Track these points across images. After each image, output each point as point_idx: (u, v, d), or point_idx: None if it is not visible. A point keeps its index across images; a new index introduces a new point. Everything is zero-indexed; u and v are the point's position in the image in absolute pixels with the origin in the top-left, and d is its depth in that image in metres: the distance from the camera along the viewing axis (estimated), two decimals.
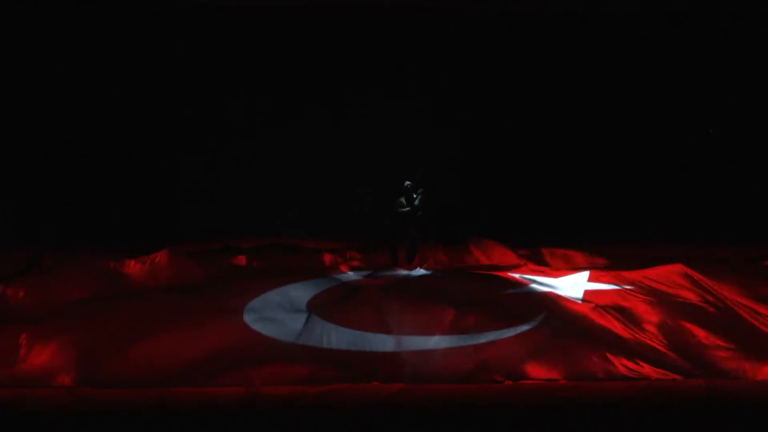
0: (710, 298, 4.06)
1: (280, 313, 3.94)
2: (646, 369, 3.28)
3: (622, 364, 3.30)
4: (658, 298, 4.11)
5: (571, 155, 7.21)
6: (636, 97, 7.19)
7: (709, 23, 6.87)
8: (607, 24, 7.00)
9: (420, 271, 5.08)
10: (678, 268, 4.42)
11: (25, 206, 6.59)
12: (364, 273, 5.01)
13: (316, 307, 4.02)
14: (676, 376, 3.25)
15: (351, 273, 5.03)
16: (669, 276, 4.35)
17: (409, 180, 5.16)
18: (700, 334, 3.62)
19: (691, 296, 4.13)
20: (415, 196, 5.14)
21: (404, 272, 5.02)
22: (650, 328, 3.69)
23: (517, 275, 4.80)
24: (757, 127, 7.10)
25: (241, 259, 5.29)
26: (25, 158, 6.70)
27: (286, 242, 5.82)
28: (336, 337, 3.57)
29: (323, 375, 3.21)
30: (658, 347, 3.48)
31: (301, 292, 4.31)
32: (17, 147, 6.67)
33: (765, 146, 7.07)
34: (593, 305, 3.90)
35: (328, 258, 5.40)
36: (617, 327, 3.68)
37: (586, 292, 4.27)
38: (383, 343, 3.51)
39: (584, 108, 7.21)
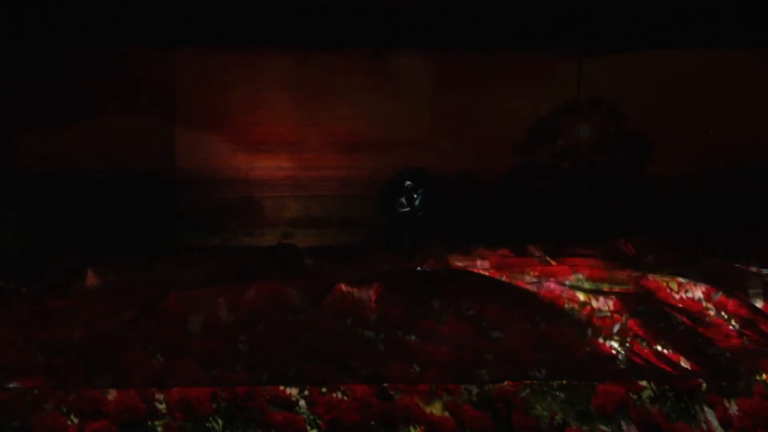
0: (711, 297, 4.07)
1: (281, 312, 3.95)
2: (647, 369, 3.29)
3: (622, 365, 3.31)
4: (656, 297, 4.12)
5: None
6: None
7: None
8: None
9: (420, 271, 5.08)
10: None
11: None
12: (365, 273, 5.00)
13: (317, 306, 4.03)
14: (676, 376, 3.25)
15: (351, 272, 5.02)
16: (666, 275, 4.37)
17: (409, 180, 5.19)
18: (701, 333, 3.63)
19: (690, 295, 4.14)
20: (415, 196, 5.16)
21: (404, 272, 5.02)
22: (649, 327, 3.69)
23: (518, 273, 4.79)
24: None
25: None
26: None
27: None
28: (337, 335, 3.59)
29: (321, 374, 3.22)
30: (658, 347, 3.48)
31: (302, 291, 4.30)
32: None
33: None
34: (593, 304, 3.90)
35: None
36: (618, 327, 3.69)
37: (586, 291, 4.27)
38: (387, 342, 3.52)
39: None
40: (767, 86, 6.53)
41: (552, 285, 4.45)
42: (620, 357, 3.37)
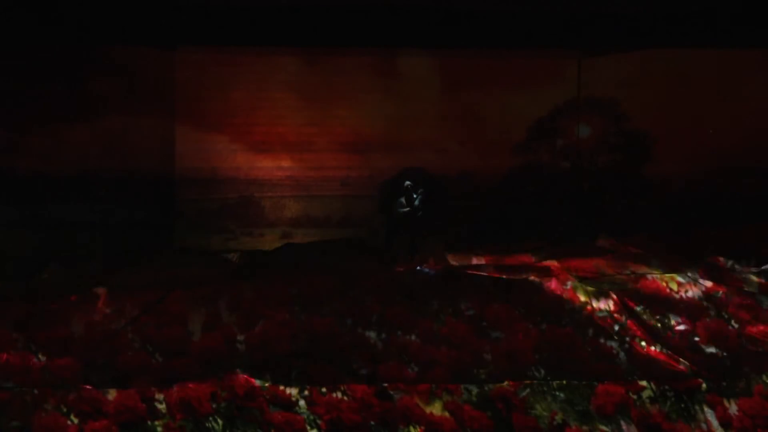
0: (711, 297, 4.07)
1: (281, 312, 3.95)
2: (647, 369, 3.29)
3: (622, 365, 3.31)
4: (656, 297, 4.12)
5: None
6: None
7: None
8: None
9: (420, 271, 5.08)
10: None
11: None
12: (364, 272, 5.00)
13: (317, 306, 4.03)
14: (676, 376, 3.25)
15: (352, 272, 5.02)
16: (666, 275, 4.37)
17: (409, 180, 5.20)
18: (701, 333, 3.63)
19: (690, 295, 4.14)
20: (415, 196, 5.17)
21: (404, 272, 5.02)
22: (649, 327, 3.70)
23: (518, 273, 4.78)
24: None
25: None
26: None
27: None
28: (337, 335, 3.59)
29: (321, 374, 3.22)
30: (658, 347, 3.48)
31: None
32: None
33: None
34: (593, 304, 3.91)
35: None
36: (618, 327, 3.69)
37: (586, 291, 4.27)
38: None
39: None
40: (767, 86, 6.53)
41: (552, 285, 4.46)
42: (620, 357, 3.37)
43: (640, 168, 6.88)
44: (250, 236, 6.46)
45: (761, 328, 3.76)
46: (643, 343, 3.52)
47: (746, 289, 4.25)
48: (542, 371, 3.28)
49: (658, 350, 3.46)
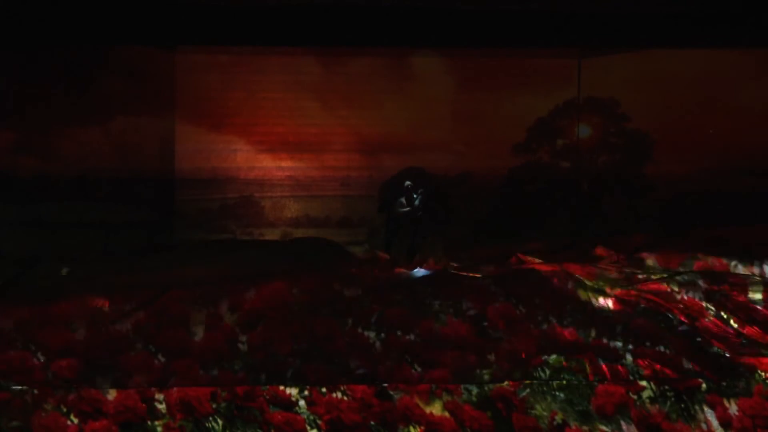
0: (711, 297, 4.07)
1: (281, 312, 3.95)
2: (648, 369, 3.29)
3: (622, 365, 3.31)
4: (656, 297, 4.12)
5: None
6: None
7: None
8: None
9: (420, 272, 5.08)
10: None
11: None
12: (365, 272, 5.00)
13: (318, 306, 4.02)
14: (676, 377, 3.25)
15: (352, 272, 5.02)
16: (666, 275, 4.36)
17: (409, 180, 5.22)
18: (702, 333, 3.63)
19: (690, 295, 4.14)
20: (415, 196, 5.17)
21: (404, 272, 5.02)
22: (650, 327, 3.70)
23: (519, 273, 4.77)
24: None
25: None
26: None
27: None
28: (337, 335, 3.59)
29: (320, 374, 3.22)
30: (659, 347, 3.48)
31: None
32: None
33: None
34: (594, 304, 3.91)
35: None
36: (619, 328, 3.69)
37: (587, 291, 4.27)
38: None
39: None
40: (767, 86, 6.53)
41: (553, 285, 4.46)
42: (622, 357, 3.37)
43: (640, 168, 6.89)
44: (250, 236, 6.47)
45: (759, 328, 3.77)
46: (645, 344, 3.52)
47: (747, 289, 4.25)
48: (543, 371, 3.28)
49: (659, 350, 3.46)
